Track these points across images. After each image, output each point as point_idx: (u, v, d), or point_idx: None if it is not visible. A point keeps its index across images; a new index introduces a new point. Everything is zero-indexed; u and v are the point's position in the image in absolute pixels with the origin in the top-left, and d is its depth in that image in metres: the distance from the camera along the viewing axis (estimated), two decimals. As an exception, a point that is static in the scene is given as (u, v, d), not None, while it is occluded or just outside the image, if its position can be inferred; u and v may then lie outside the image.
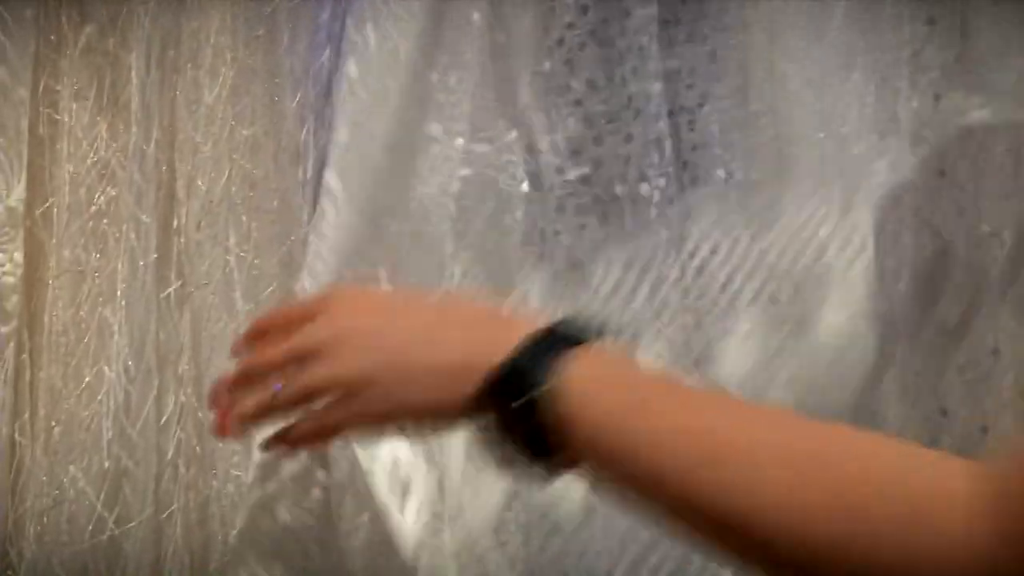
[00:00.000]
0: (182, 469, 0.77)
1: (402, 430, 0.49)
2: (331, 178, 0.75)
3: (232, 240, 0.76)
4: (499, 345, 0.42)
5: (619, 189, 0.86)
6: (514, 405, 0.41)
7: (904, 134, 0.88)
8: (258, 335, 0.50)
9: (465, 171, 0.79)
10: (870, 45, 0.88)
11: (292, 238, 0.79)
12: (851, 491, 0.36)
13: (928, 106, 0.88)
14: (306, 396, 0.46)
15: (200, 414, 0.75)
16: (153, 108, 0.74)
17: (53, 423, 0.74)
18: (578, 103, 0.85)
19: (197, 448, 0.75)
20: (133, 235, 0.73)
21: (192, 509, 0.76)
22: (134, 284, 0.74)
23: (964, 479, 0.35)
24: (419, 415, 0.46)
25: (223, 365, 0.77)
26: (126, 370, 0.73)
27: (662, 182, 0.85)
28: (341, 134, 0.75)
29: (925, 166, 0.88)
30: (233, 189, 0.76)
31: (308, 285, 0.75)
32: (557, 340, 0.42)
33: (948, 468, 0.36)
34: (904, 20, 0.88)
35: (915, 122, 0.88)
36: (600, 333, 0.43)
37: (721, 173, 0.87)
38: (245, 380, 0.48)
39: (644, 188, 0.87)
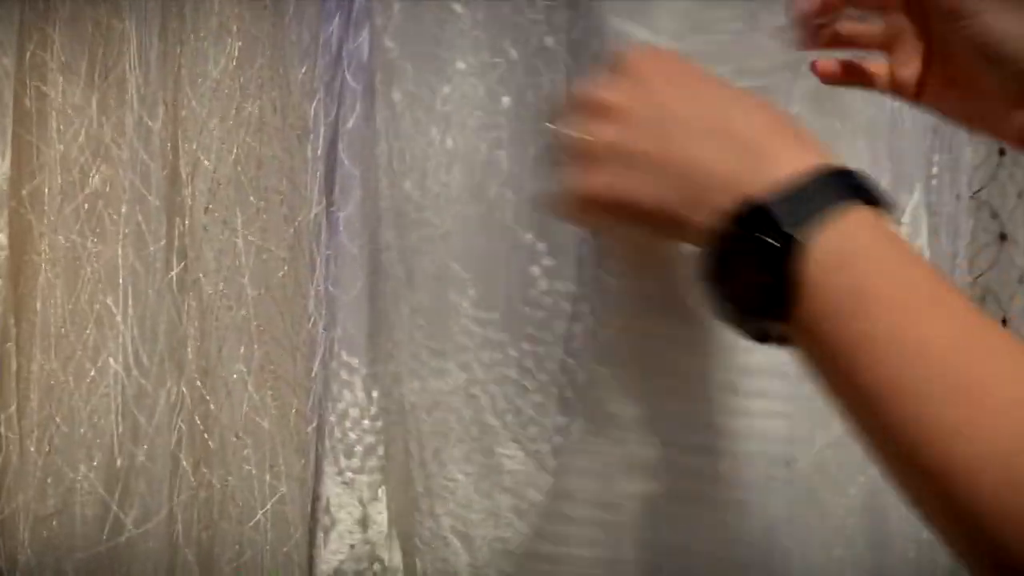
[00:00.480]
0: (185, 464, 0.73)
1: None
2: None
3: (240, 222, 0.72)
4: (780, 167, 0.38)
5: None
6: (757, 240, 0.37)
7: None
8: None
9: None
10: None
11: (299, 219, 0.75)
12: None
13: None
14: (583, 152, 0.45)
15: (212, 406, 0.72)
16: (155, 82, 0.69)
17: (58, 420, 0.69)
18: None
19: (210, 443, 0.71)
20: (140, 218, 0.68)
21: (199, 506, 0.72)
22: (140, 270, 0.69)
23: None
24: (664, 214, 0.42)
25: (231, 355, 0.74)
26: (136, 362, 0.69)
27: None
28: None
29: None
30: (240, 168, 0.72)
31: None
32: (840, 188, 0.38)
33: None
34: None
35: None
36: (883, 200, 0.39)
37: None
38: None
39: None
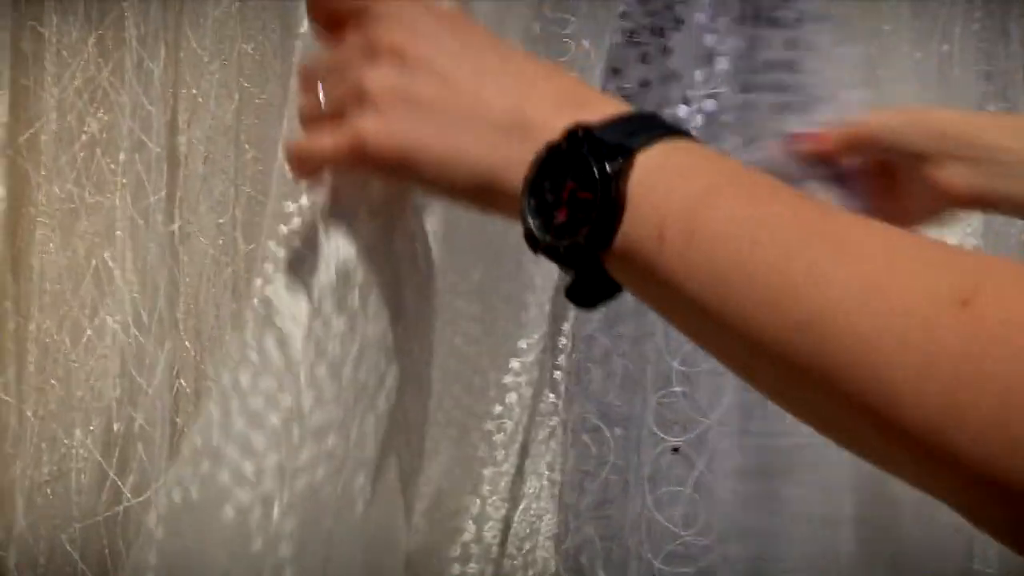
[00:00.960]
0: (185, 429, 0.69)
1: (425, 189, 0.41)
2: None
3: (234, 174, 0.68)
4: (596, 111, 0.34)
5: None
6: (574, 183, 0.33)
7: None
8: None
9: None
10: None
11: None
12: (950, 314, 0.26)
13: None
14: (352, 98, 0.37)
15: (202, 367, 0.67)
16: (155, 20, 0.65)
17: (53, 382, 0.65)
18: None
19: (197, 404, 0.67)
20: (140, 167, 0.64)
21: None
22: (139, 222, 0.65)
23: None
24: (452, 178, 0.36)
25: (224, 313, 0.70)
26: (135, 320, 0.65)
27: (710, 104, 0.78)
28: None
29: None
30: (241, 116, 0.68)
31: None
32: (659, 123, 0.35)
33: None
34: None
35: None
36: (684, 131, 0.35)
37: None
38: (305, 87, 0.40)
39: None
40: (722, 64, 0.78)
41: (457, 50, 0.37)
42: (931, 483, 0.28)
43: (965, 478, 0.26)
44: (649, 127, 0.34)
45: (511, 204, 0.35)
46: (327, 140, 0.38)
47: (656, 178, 0.33)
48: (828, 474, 0.79)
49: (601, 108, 0.35)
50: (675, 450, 0.79)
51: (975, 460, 0.25)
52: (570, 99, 0.36)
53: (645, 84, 0.79)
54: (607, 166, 0.32)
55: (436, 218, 0.50)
